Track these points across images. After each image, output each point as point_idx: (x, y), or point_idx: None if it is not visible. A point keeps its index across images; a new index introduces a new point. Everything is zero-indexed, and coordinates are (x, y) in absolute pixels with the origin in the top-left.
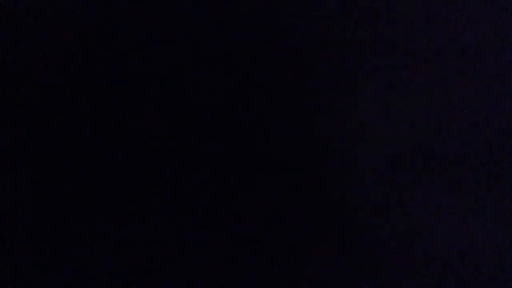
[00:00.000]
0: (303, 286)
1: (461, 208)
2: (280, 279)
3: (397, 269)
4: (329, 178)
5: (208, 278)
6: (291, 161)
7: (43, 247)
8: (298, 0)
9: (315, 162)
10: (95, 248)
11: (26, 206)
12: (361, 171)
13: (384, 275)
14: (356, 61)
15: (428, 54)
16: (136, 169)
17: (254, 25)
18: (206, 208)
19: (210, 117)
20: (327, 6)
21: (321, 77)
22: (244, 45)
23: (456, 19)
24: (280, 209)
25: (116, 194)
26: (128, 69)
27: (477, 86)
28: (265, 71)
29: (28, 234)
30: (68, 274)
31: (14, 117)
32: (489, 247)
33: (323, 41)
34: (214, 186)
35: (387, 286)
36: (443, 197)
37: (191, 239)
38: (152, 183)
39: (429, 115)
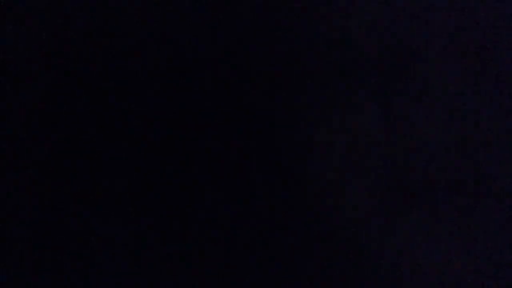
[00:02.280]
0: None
1: (461, 209)
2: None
3: (396, 269)
4: (312, 181)
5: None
6: (277, 163)
7: (43, 247)
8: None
9: (302, 165)
10: (95, 248)
11: (26, 206)
12: (345, 174)
13: (383, 278)
14: (353, 62)
15: (427, 54)
16: (135, 169)
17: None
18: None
19: (199, 117)
20: (328, 5)
21: (316, 79)
22: (229, 47)
23: (456, 19)
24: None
25: (115, 195)
26: (126, 69)
27: (477, 86)
28: (254, 71)
29: (28, 234)
30: (68, 274)
31: (14, 117)
32: (489, 247)
33: (322, 43)
34: (201, 187)
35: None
36: (443, 198)
37: (186, 238)
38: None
39: (429, 116)
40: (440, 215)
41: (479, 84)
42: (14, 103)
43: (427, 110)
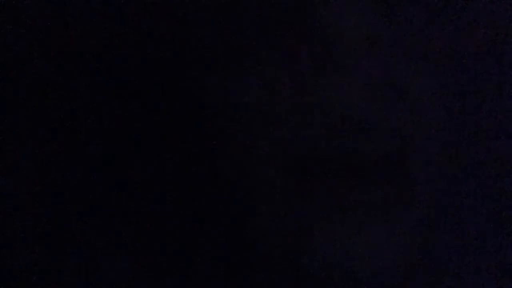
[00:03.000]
0: None
1: (461, 208)
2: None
3: (393, 270)
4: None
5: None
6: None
7: (43, 247)
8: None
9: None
10: (95, 248)
11: (26, 206)
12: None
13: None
14: (351, 61)
15: (426, 54)
16: (134, 168)
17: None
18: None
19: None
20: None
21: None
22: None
23: (456, 19)
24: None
25: (115, 195)
26: (127, 68)
27: (477, 86)
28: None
29: (28, 234)
30: (68, 274)
31: (14, 117)
32: (490, 247)
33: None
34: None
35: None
36: (443, 197)
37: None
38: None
39: (428, 117)
40: (359, 188)
41: (479, 84)
42: (14, 103)
43: (426, 110)
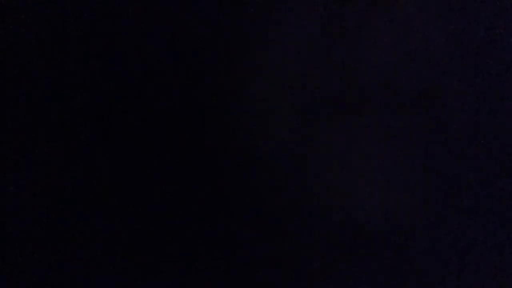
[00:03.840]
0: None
1: (463, 209)
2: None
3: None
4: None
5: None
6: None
7: (43, 248)
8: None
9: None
10: (95, 248)
11: (26, 206)
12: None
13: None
14: (355, 64)
15: (427, 54)
16: (134, 168)
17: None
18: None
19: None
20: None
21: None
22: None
23: (457, 19)
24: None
25: (114, 195)
26: (126, 69)
27: (477, 86)
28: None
29: (28, 234)
30: (67, 274)
31: (14, 117)
32: (489, 247)
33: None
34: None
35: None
36: (443, 197)
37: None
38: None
39: (429, 115)
40: (378, 131)
41: (479, 84)
42: (14, 103)
43: (426, 110)
